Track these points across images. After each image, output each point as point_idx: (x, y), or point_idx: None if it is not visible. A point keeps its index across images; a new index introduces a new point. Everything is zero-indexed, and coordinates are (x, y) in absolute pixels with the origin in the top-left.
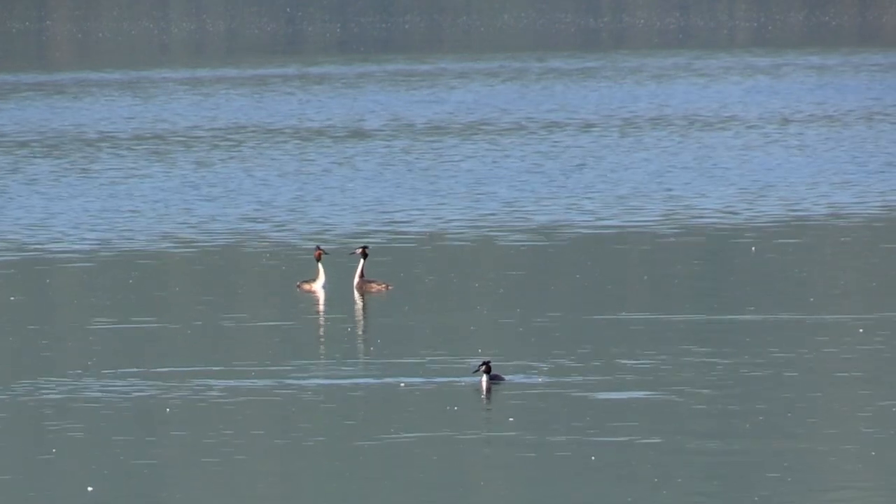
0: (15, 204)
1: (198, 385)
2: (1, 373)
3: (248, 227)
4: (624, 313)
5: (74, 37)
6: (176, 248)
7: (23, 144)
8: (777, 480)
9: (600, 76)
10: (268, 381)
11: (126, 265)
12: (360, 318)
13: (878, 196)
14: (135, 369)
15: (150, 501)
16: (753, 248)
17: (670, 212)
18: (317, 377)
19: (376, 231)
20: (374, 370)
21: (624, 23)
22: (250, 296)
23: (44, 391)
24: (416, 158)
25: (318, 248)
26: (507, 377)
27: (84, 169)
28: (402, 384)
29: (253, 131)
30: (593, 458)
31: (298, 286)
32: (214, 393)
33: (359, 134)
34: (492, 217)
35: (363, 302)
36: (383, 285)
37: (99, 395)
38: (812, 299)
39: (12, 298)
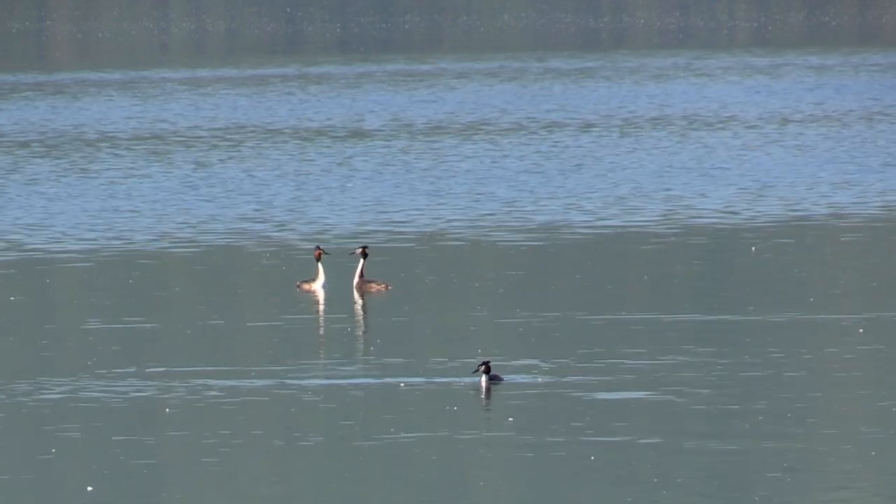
0: (14, 204)
1: (198, 385)
2: (1, 373)
3: (248, 227)
4: (624, 313)
5: (74, 37)
6: (176, 248)
7: (22, 144)
8: (777, 480)
9: (600, 76)
10: (268, 381)
11: (126, 265)
12: (360, 318)
13: (877, 196)
14: (135, 369)
15: (150, 501)
16: (753, 248)
17: (670, 212)
18: (317, 377)
19: (376, 231)
20: (374, 370)
21: (624, 23)
22: (250, 296)
23: (44, 391)
24: (416, 158)
25: (318, 248)
26: (506, 377)
27: (83, 169)
28: (402, 384)
29: (252, 131)
30: (593, 458)
31: (298, 286)
32: (214, 393)
33: (358, 134)
34: (491, 217)
35: (363, 302)
36: (383, 285)
37: (99, 395)
38: (812, 299)
39: (12, 298)
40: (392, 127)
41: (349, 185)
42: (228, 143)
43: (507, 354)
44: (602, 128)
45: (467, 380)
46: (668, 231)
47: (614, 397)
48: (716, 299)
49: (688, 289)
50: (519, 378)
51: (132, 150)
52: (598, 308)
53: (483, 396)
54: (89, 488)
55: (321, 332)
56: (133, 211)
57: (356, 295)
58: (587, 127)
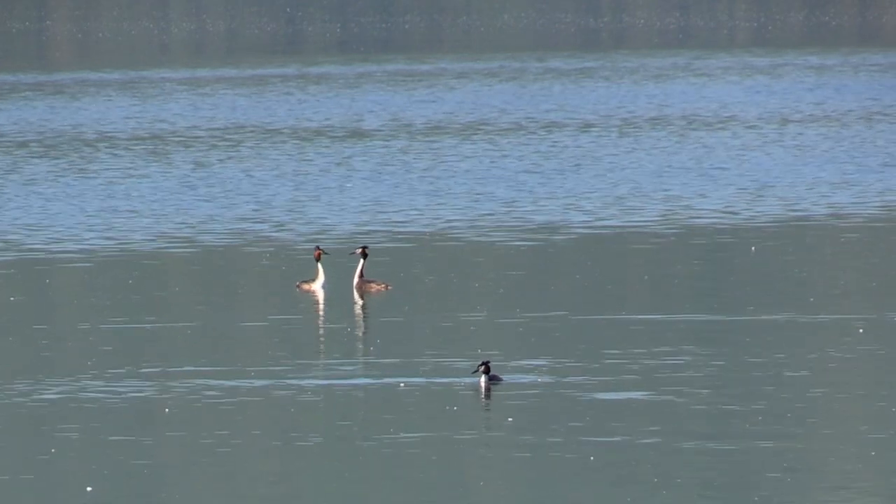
0: (13, 204)
1: (197, 385)
2: (1, 373)
3: (247, 227)
4: (624, 313)
5: (74, 37)
6: (174, 248)
7: (21, 144)
8: (777, 480)
9: (599, 76)
10: (267, 382)
11: (125, 265)
12: (360, 318)
13: (877, 196)
14: (135, 369)
15: (150, 501)
16: (753, 248)
17: (669, 212)
18: (316, 377)
19: (375, 231)
20: (374, 370)
21: (624, 23)
22: (250, 296)
23: (44, 391)
24: (415, 158)
25: (318, 248)
26: (506, 377)
27: (82, 169)
28: (402, 384)
29: (251, 131)
30: (592, 458)
31: (298, 286)
32: (214, 393)
33: (357, 134)
34: (491, 217)
35: (363, 302)
36: (383, 285)
37: (98, 395)
38: (812, 299)
39: (12, 298)
40: (391, 127)
41: (348, 185)
42: (227, 144)
43: (506, 354)
44: (601, 128)
45: (467, 380)
46: (667, 231)
47: (614, 397)
48: (716, 299)
49: (688, 289)
50: (519, 378)
51: (131, 150)
52: (598, 308)
53: (483, 396)
54: (88, 488)
55: (321, 332)
56: (132, 211)
57: (356, 295)
58: (586, 127)
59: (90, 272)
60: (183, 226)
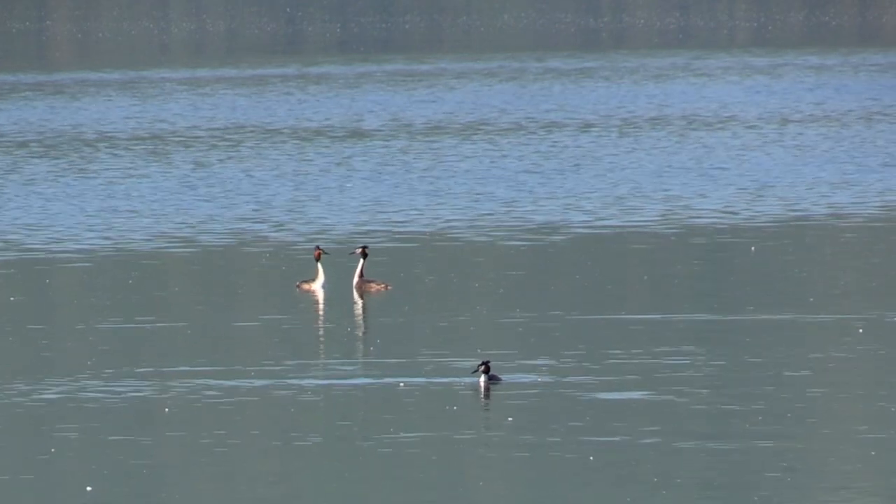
0: (13, 204)
1: (197, 385)
2: (0, 373)
3: (247, 227)
4: (624, 313)
5: (74, 37)
6: (174, 248)
7: (21, 144)
8: (777, 480)
9: (599, 76)
10: (267, 381)
11: (125, 265)
12: (360, 318)
13: (877, 196)
14: (134, 369)
15: (149, 501)
16: (753, 248)
17: (669, 212)
18: (316, 377)
19: (375, 231)
20: (374, 370)
21: (624, 23)
22: (250, 296)
23: (44, 391)
24: (415, 158)
25: (318, 248)
26: (505, 377)
27: (82, 169)
28: (402, 384)
29: (251, 131)
30: (592, 458)
31: (298, 286)
32: (214, 393)
33: (357, 134)
34: (491, 217)
35: (363, 302)
36: (383, 285)
37: (98, 395)
38: (812, 299)
39: (12, 298)
40: (391, 127)
41: (348, 185)
42: (227, 144)
43: (506, 354)
44: (601, 128)
45: (467, 380)
46: (667, 231)
47: (614, 397)
48: (716, 299)
49: (688, 289)
50: (518, 378)
51: (131, 150)
52: (598, 308)
53: (482, 396)
54: (88, 488)
55: (321, 332)
56: (132, 211)
57: (356, 295)
58: (586, 127)
59: (90, 272)
60: (183, 226)
